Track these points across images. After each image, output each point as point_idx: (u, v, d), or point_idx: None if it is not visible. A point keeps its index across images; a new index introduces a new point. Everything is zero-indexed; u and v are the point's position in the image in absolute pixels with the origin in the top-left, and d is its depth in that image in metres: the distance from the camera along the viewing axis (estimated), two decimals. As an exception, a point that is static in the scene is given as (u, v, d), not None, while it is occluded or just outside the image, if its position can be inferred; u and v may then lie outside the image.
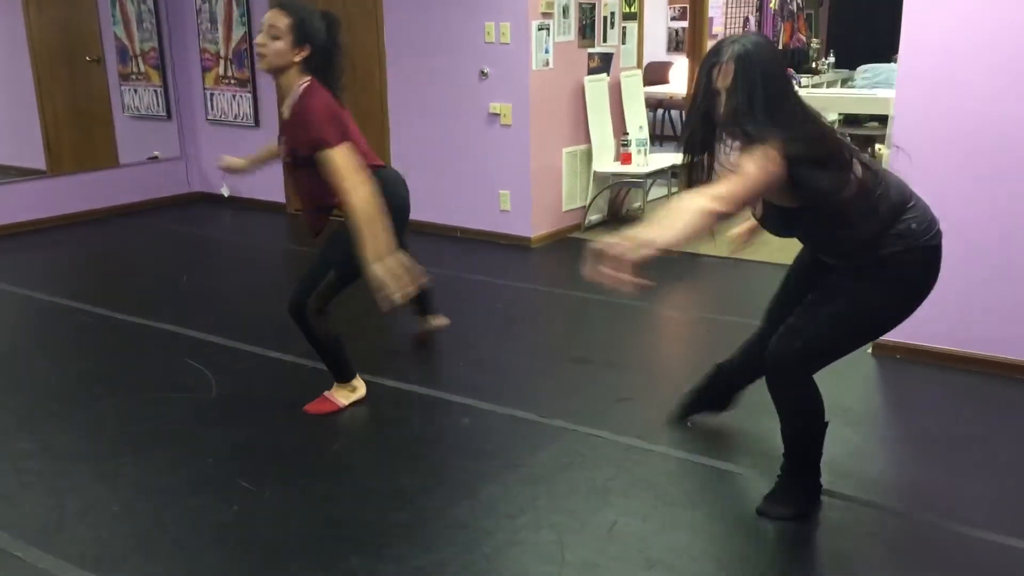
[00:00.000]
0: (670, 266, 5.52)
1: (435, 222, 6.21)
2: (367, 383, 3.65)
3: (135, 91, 7.08)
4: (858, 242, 2.51)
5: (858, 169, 2.47)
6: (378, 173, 3.24)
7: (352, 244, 3.05)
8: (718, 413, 3.37)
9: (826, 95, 7.46)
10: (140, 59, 7.05)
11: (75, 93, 6.69)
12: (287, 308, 3.42)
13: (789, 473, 2.79)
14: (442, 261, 5.62)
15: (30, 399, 3.69)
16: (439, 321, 4.21)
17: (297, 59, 3.17)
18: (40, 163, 6.53)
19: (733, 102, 2.42)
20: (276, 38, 3.14)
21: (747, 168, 2.35)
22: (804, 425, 2.74)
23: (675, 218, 2.30)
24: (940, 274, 2.60)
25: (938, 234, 2.55)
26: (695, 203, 2.32)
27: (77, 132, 6.72)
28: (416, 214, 6.17)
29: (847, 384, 3.67)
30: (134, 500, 2.89)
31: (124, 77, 7.03)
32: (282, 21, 3.14)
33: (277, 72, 3.20)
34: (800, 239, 2.73)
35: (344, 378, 3.56)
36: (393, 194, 3.29)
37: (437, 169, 6.13)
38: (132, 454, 3.19)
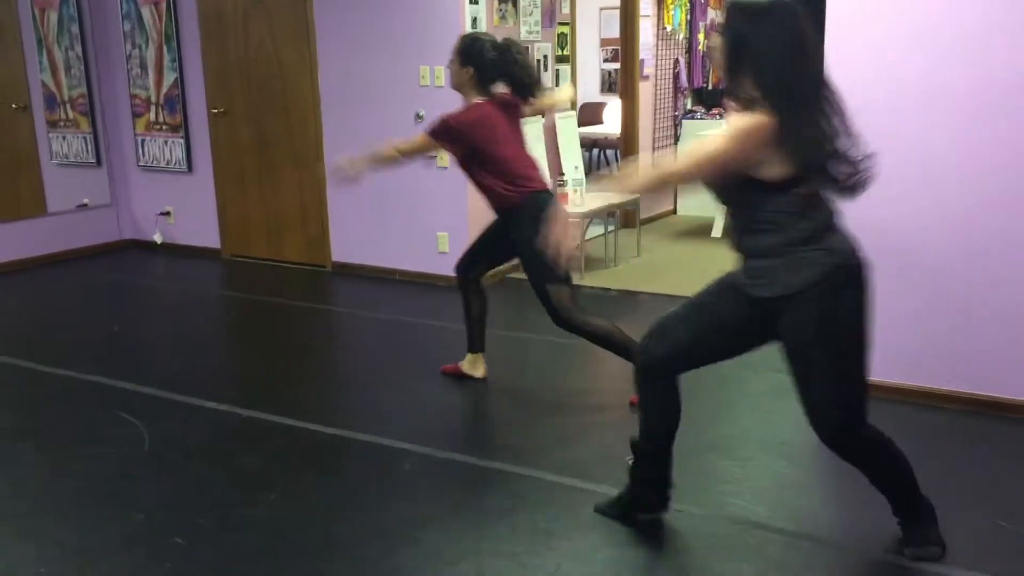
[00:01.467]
0: (609, 304, 5.56)
1: (372, 264, 6.18)
2: (294, 430, 3.59)
3: (63, 138, 6.95)
4: (785, 240, 2.40)
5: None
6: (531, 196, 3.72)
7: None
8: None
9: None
10: (68, 105, 6.92)
11: (1, 141, 6.55)
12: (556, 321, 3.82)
13: (908, 514, 2.70)
14: (380, 304, 5.58)
15: (-50, 458, 3.55)
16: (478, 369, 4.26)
17: (467, 78, 3.79)
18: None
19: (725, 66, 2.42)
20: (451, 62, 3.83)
21: (719, 142, 2.36)
22: (890, 467, 2.64)
23: (647, 173, 2.52)
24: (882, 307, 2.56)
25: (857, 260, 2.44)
26: (669, 166, 2.50)
27: (3, 180, 6.56)
28: (355, 257, 6.21)
29: (783, 417, 3.71)
30: (60, 561, 2.79)
31: (52, 124, 6.90)
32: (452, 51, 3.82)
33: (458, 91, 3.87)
34: (735, 214, 2.58)
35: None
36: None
37: (374, 212, 6.11)
38: (57, 512, 3.08)
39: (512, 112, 3.86)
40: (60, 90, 6.90)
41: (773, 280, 2.45)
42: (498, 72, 3.78)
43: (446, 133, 3.71)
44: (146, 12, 6.73)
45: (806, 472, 3.34)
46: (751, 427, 3.71)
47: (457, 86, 3.85)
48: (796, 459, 3.40)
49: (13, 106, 6.67)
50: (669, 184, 2.68)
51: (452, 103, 5.62)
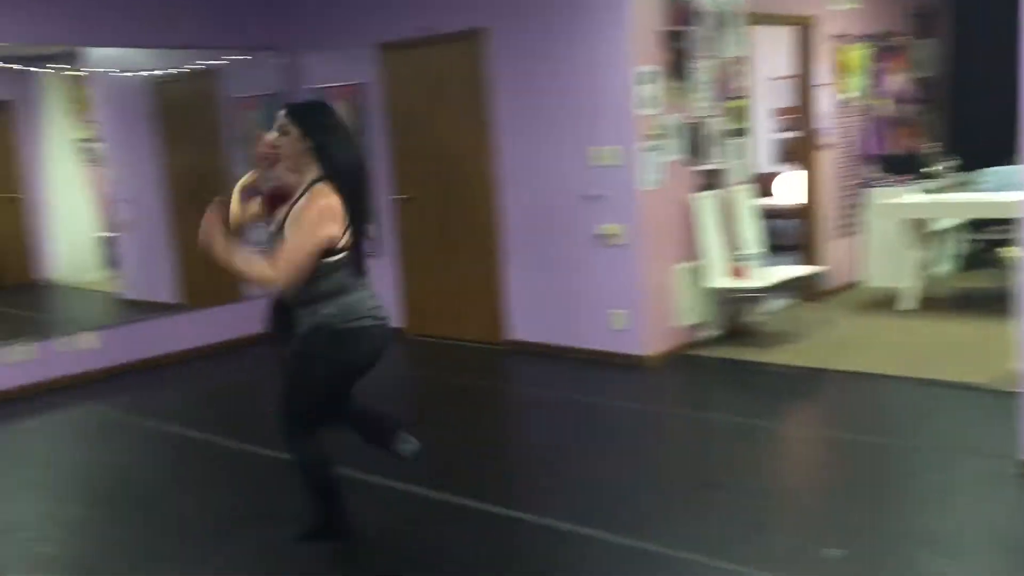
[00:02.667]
0: (794, 382, 5.36)
1: (547, 343, 6.23)
2: (472, 510, 3.61)
3: (257, 228, 7.43)
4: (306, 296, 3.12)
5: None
6: None
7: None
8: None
9: (948, 200, 7.26)
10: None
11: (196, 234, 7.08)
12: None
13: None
14: (555, 382, 5.60)
15: (159, 534, 3.78)
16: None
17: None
18: (175, 297, 6.88)
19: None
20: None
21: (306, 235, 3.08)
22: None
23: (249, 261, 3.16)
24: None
25: (361, 321, 3.16)
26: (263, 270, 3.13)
27: (209, 268, 7.06)
28: (531, 336, 6.28)
29: (998, 508, 3.42)
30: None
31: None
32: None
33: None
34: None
35: None
36: None
37: (550, 291, 6.19)
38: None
39: None
40: (260, 185, 7.41)
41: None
42: None
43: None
44: (339, 108, 7.17)
45: (1026, 571, 3.06)
46: (963, 519, 3.44)
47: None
48: (1017, 555, 3.12)
49: (218, 199, 7.20)
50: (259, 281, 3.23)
51: (625, 182, 5.69)
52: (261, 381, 6.14)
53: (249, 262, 3.15)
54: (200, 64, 7.05)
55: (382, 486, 4.09)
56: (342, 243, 3.10)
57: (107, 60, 6.85)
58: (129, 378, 6.28)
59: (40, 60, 6.67)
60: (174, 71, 7.04)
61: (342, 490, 3.40)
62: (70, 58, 6.76)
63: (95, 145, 7.29)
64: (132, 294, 7.15)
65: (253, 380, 6.14)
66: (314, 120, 3.18)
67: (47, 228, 7.10)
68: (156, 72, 7.07)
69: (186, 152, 7.33)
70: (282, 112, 3.19)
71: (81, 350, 6.25)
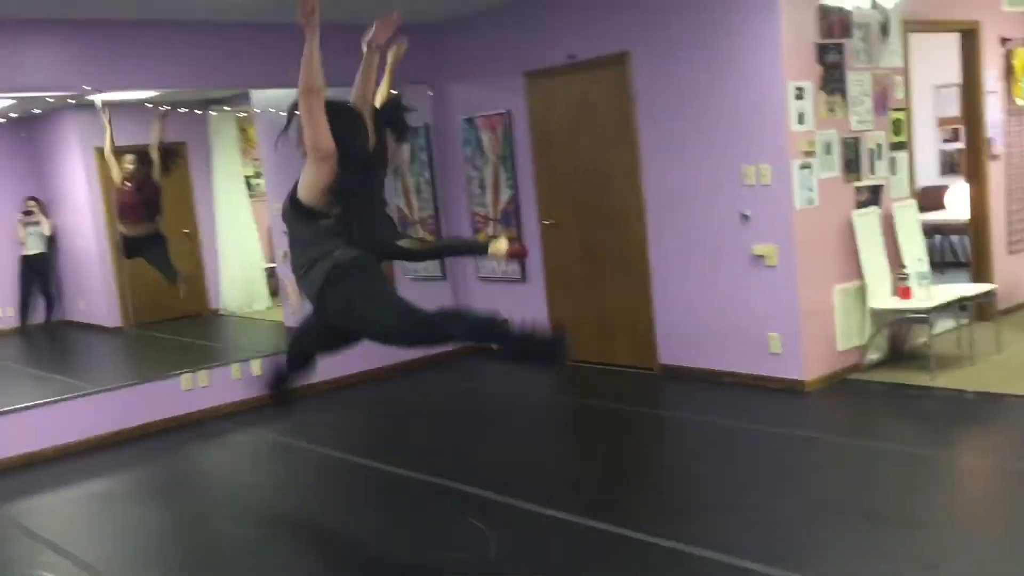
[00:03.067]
0: (966, 408, 5.05)
1: (702, 367, 6.10)
2: (630, 539, 3.55)
3: (414, 255, 7.64)
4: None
5: None
6: None
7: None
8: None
9: None
10: (419, 225, 7.64)
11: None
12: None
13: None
14: (710, 408, 5.47)
15: (314, 554, 3.91)
16: None
17: None
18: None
19: None
20: None
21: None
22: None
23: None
24: None
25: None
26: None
27: (364, 296, 7.31)
28: (682, 360, 6.17)
29: None
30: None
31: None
32: None
33: None
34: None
35: None
36: None
37: (702, 314, 6.06)
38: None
39: None
40: (412, 212, 7.65)
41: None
42: None
43: None
44: (485, 136, 7.31)
45: None
46: None
47: None
48: None
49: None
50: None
51: (779, 201, 5.53)
52: (421, 406, 6.29)
53: (313, 57, 3.71)
54: (355, 100, 7.33)
55: (541, 515, 4.09)
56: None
57: (270, 100, 7.23)
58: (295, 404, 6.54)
59: (210, 103, 7.11)
60: (331, 108, 7.34)
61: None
62: (237, 100, 7.17)
63: (259, 181, 7.69)
64: (294, 322, 7.46)
65: (413, 404, 6.29)
66: None
67: (218, 260, 7.52)
68: (314, 109, 7.39)
69: (343, 184, 7.63)
70: None
71: (250, 378, 6.57)
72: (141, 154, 6.64)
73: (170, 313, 7.20)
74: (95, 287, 7.15)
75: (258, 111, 7.29)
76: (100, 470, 5.48)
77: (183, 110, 6.84)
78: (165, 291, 7.14)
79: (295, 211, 3.57)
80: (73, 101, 6.21)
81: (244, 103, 7.21)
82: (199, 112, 7.02)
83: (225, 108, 7.27)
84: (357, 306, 3.51)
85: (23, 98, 6.07)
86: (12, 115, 6.47)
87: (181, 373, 6.37)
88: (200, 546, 4.10)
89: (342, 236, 3.52)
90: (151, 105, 6.61)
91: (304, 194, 3.54)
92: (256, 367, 6.62)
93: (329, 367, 6.93)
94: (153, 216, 6.73)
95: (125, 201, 6.68)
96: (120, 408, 6.10)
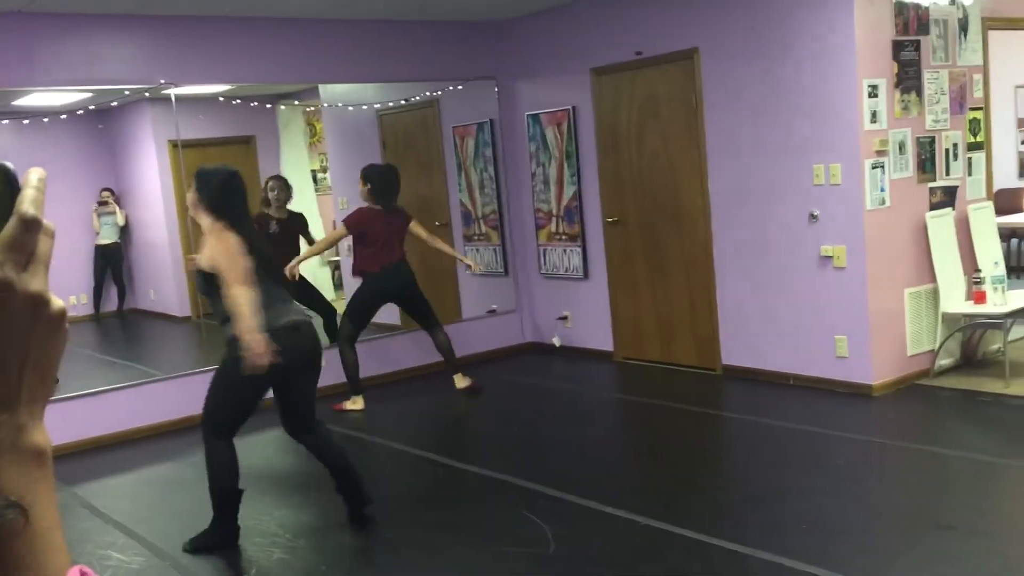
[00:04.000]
0: (1043, 418, 4.89)
1: (766, 368, 6.01)
2: (694, 542, 3.51)
3: (477, 250, 7.68)
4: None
5: None
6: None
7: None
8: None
9: None
10: (482, 221, 7.66)
11: (427, 255, 7.38)
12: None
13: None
14: (774, 410, 5.38)
15: (382, 543, 3.94)
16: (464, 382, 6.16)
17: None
18: (397, 319, 7.22)
19: None
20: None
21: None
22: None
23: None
24: None
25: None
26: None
27: (428, 290, 7.36)
28: (745, 361, 6.09)
29: None
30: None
31: (467, 238, 7.66)
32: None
33: None
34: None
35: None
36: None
37: (767, 315, 5.97)
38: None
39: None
40: (475, 207, 7.67)
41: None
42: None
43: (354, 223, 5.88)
44: (549, 133, 7.30)
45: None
46: None
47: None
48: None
49: (436, 223, 7.52)
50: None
51: (849, 201, 5.40)
52: (482, 401, 6.30)
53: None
54: (421, 95, 7.40)
55: (600, 512, 4.07)
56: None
57: (337, 95, 7.32)
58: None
59: (279, 97, 7.22)
60: (399, 102, 7.42)
61: None
62: (305, 94, 7.27)
63: (325, 175, 7.78)
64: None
65: (474, 400, 6.30)
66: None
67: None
68: (380, 104, 7.47)
69: (408, 179, 7.68)
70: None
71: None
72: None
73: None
74: (165, 277, 7.31)
75: (326, 105, 7.38)
76: (168, 454, 5.61)
77: (253, 104, 6.95)
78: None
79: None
80: (148, 94, 6.36)
81: (312, 97, 7.30)
82: (268, 106, 7.13)
83: (294, 102, 7.37)
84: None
85: (100, 91, 6.23)
86: (90, 107, 6.65)
87: (247, 362, 6.48)
88: (262, 532, 4.17)
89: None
90: (223, 99, 6.74)
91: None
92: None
93: (380, 361, 7.01)
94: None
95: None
96: (188, 395, 6.21)
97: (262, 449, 5.78)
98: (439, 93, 7.48)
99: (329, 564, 3.83)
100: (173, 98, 6.29)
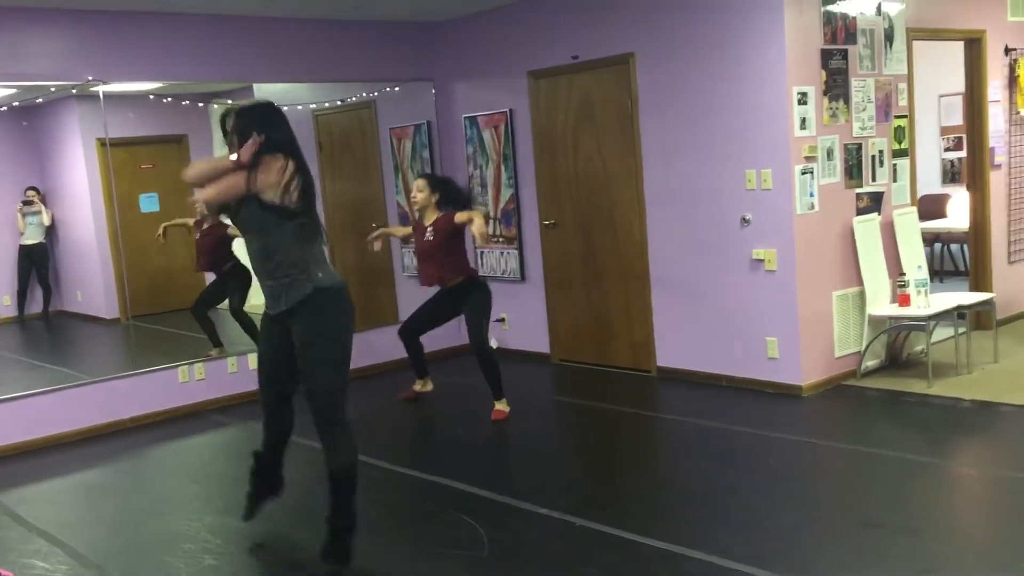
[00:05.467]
0: (962, 416, 5.05)
1: (700, 370, 6.10)
2: (623, 541, 3.55)
3: (414, 253, 7.63)
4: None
5: None
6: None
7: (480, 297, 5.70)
8: (277, 495, 4.02)
9: None
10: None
11: (363, 256, 7.33)
12: (476, 349, 5.60)
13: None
14: (707, 411, 5.46)
15: (315, 548, 3.90)
16: (426, 387, 6.22)
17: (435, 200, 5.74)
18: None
19: None
20: (421, 191, 5.77)
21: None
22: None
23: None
24: None
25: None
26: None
27: (365, 291, 7.31)
28: (680, 362, 6.17)
29: None
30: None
31: (404, 240, 7.61)
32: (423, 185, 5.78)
33: (423, 209, 5.77)
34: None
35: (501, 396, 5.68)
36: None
37: (699, 317, 6.06)
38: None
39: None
40: (412, 209, 7.62)
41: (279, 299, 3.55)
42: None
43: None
44: (487, 135, 7.31)
45: None
46: None
47: (424, 205, 5.77)
48: None
49: (373, 225, 7.47)
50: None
51: (780, 205, 5.52)
52: (415, 402, 6.27)
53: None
54: (357, 96, 7.35)
55: (535, 514, 4.09)
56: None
57: (272, 94, 7.21)
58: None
59: (212, 96, 7.09)
60: (335, 102, 7.36)
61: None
62: (239, 93, 7.16)
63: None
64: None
65: (400, 404, 6.27)
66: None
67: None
68: (315, 104, 7.40)
69: (344, 180, 7.65)
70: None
71: (246, 371, 6.58)
72: None
73: (168, 306, 7.19)
74: (93, 278, 7.13)
75: (260, 105, 7.28)
76: (94, 460, 5.47)
77: (185, 102, 6.83)
78: (162, 283, 7.14)
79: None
80: (76, 91, 6.21)
81: (246, 96, 7.20)
82: (201, 104, 7.01)
83: (227, 101, 7.25)
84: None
85: (25, 87, 6.06)
86: (14, 104, 6.45)
87: (178, 365, 6.37)
88: (191, 537, 4.09)
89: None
90: (153, 96, 6.60)
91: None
92: (252, 361, 6.62)
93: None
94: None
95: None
96: (116, 399, 6.09)
97: (196, 452, 5.68)
98: (376, 94, 7.44)
99: (261, 571, 3.77)
100: (101, 95, 6.14)
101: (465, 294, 5.68)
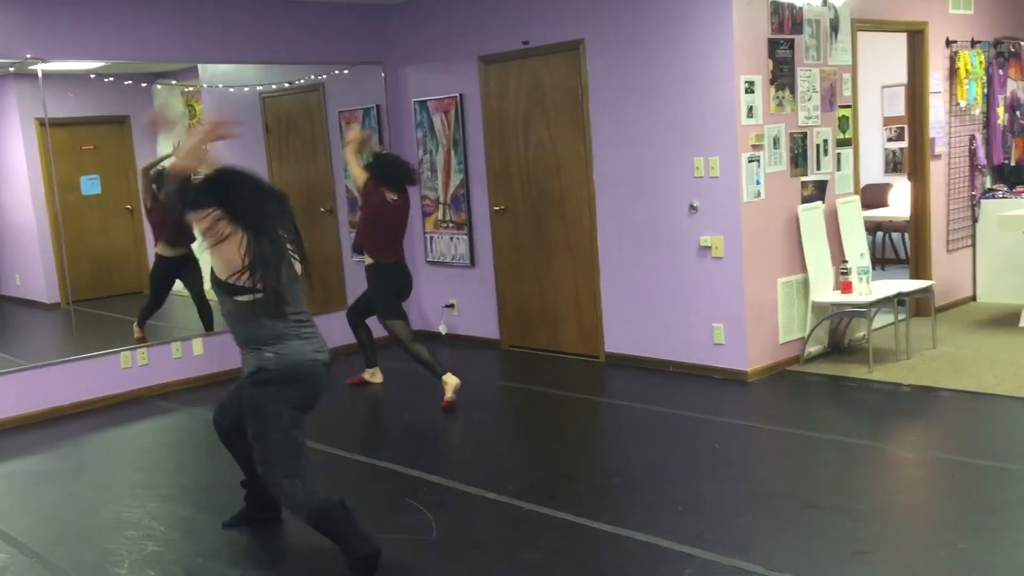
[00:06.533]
0: (901, 401, 5.16)
1: (648, 356, 6.15)
2: (568, 524, 3.57)
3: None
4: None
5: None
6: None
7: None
8: (270, 520, 3.93)
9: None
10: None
11: (311, 240, 7.24)
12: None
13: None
14: (655, 396, 5.52)
15: (261, 534, 3.86)
16: (376, 377, 6.27)
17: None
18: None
19: None
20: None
21: None
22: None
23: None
24: None
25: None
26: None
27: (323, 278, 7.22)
28: (628, 348, 6.22)
29: None
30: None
31: (352, 224, 7.55)
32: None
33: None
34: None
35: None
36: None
37: (649, 303, 6.11)
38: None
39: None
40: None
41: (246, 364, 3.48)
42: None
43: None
44: (437, 120, 7.27)
45: None
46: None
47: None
48: None
49: (321, 209, 7.40)
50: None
51: (727, 193, 5.58)
52: (363, 388, 6.23)
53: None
54: (305, 78, 7.25)
55: (483, 498, 4.10)
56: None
57: (217, 75, 7.09)
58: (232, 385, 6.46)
59: (156, 76, 6.95)
60: (282, 85, 7.25)
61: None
62: (183, 74, 7.03)
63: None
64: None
65: (354, 387, 6.23)
66: None
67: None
68: (262, 86, 7.29)
69: (292, 163, 7.55)
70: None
71: (190, 357, 6.49)
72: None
73: (111, 290, 7.05)
74: (32, 262, 6.95)
75: (205, 86, 7.15)
76: (33, 447, 5.36)
77: (127, 82, 6.68)
78: (104, 267, 7.00)
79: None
80: (13, 69, 6.04)
81: (191, 77, 7.06)
82: (144, 85, 6.86)
83: (171, 82, 7.11)
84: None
85: (-40, 64, 5.88)
86: (-52, 81, 6.26)
87: (120, 351, 6.26)
88: (134, 524, 4.03)
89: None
90: (95, 76, 6.45)
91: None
92: (197, 346, 6.54)
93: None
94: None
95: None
96: (56, 385, 5.97)
97: (138, 439, 5.59)
98: (324, 77, 7.35)
99: (205, 555, 3.73)
100: (40, 74, 5.98)
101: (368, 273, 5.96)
